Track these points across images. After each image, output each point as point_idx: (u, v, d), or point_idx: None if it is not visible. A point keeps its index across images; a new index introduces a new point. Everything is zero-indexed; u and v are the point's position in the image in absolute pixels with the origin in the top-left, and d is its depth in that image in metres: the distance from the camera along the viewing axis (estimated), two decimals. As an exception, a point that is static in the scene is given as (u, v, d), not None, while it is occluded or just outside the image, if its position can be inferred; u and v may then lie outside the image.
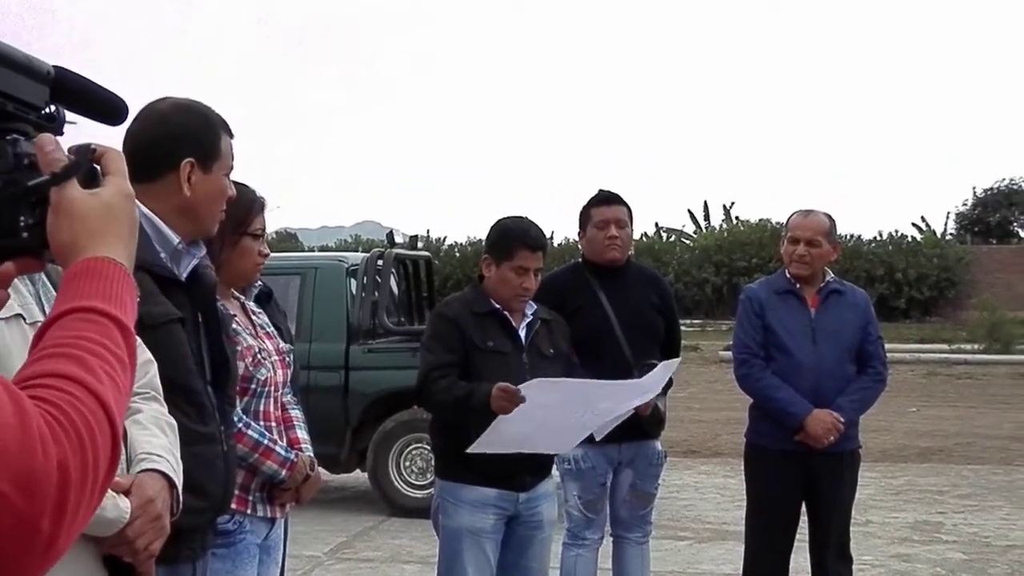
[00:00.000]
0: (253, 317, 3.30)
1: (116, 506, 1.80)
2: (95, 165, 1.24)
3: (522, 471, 3.89)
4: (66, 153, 1.21)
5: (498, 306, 3.94)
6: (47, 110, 1.25)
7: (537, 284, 3.98)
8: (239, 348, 2.98)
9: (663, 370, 4.16)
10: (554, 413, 3.75)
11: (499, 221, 4.05)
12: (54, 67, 1.25)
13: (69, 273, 1.15)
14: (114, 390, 1.05)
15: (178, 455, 2.01)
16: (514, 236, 3.94)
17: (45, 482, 0.96)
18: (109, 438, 1.03)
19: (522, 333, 3.97)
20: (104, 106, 1.33)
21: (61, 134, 1.31)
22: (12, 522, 0.94)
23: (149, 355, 2.10)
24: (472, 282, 4.16)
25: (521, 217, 4.07)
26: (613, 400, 3.99)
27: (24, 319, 1.70)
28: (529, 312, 4.01)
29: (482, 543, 3.87)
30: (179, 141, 2.45)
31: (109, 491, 1.78)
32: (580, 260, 4.94)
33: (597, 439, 4.20)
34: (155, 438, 1.97)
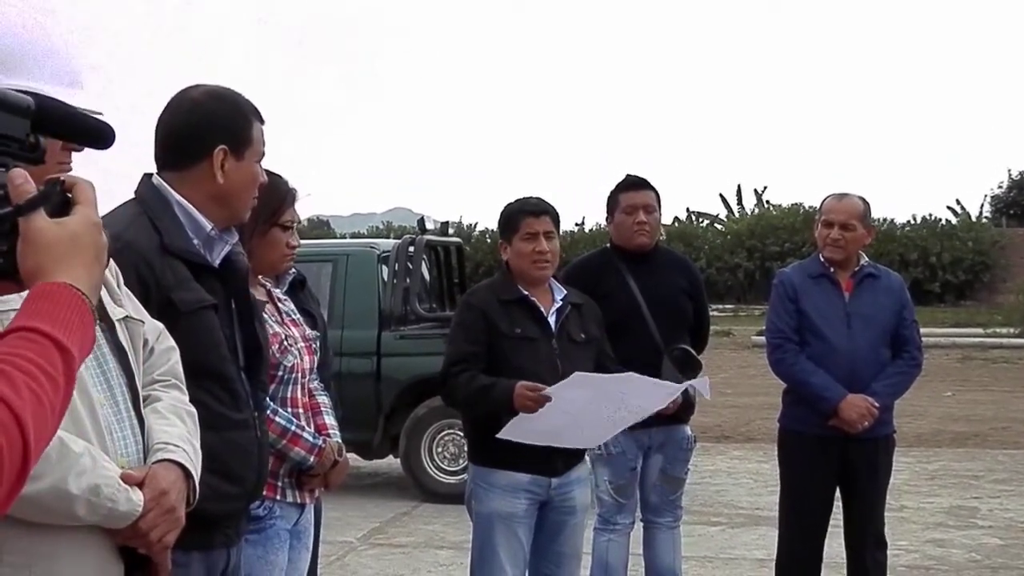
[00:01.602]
0: (280, 304, 3.32)
1: (128, 499, 1.80)
2: (67, 194, 1.33)
3: (555, 456, 3.88)
4: (33, 186, 1.29)
5: (526, 292, 3.93)
6: (29, 140, 1.33)
7: (555, 250, 3.96)
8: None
9: (698, 384, 4.17)
10: (584, 408, 3.72)
11: (503, 207, 4.10)
12: (35, 97, 1.33)
13: (28, 295, 1.23)
14: (35, 407, 1.10)
15: (197, 444, 2.01)
16: (515, 210, 4.00)
17: None
18: (19, 453, 1.07)
19: (551, 319, 3.95)
20: (90, 133, 1.43)
21: (44, 163, 1.40)
22: None
23: (172, 343, 2.10)
24: (500, 270, 4.18)
25: (522, 196, 4.13)
26: (645, 398, 3.97)
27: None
28: (559, 297, 4.00)
29: (514, 527, 3.87)
30: (211, 128, 2.46)
31: (122, 484, 1.79)
32: (608, 245, 4.93)
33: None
34: (172, 427, 1.97)
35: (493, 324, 3.87)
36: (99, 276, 1.30)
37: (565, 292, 4.03)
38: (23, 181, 1.27)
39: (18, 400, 1.08)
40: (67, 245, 1.27)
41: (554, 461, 3.89)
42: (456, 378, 3.84)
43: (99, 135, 1.41)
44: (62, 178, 1.35)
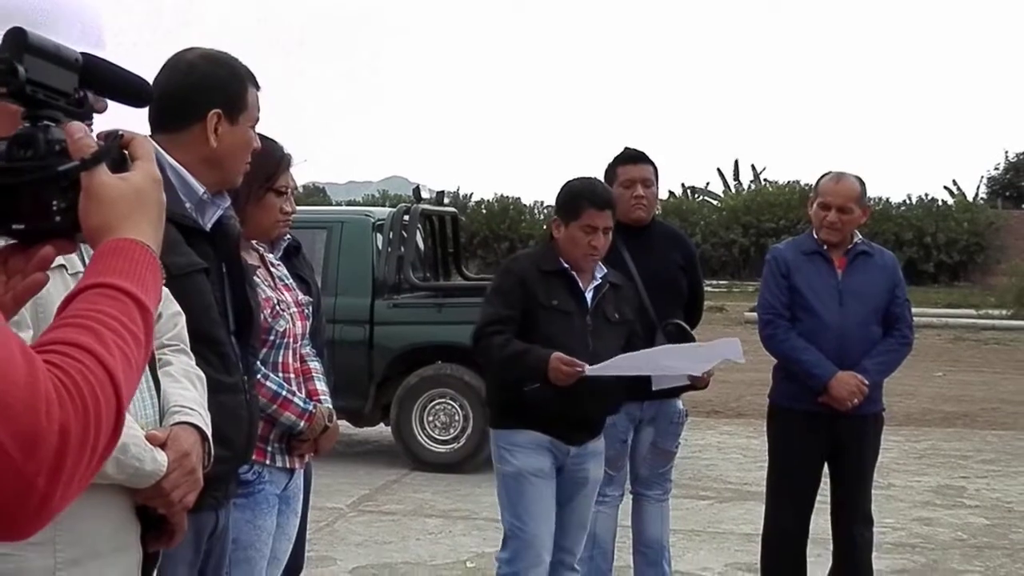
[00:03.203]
0: (272, 269, 3.31)
1: (154, 459, 1.82)
2: (124, 151, 1.29)
3: (574, 428, 3.94)
4: (95, 139, 1.25)
5: (567, 265, 3.94)
6: (76, 96, 1.29)
7: (607, 243, 3.98)
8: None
9: (724, 346, 4.24)
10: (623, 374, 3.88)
11: (567, 183, 4.06)
12: (82, 53, 1.29)
13: (98, 251, 1.19)
14: (124, 364, 1.09)
15: (206, 407, 2.04)
16: (581, 195, 3.95)
17: (45, 443, 0.99)
18: (114, 410, 1.06)
19: (588, 295, 3.97)
20: (130, 89, 1.38)
21: (90, 119, 1.37)
22: (8, 476, 0.98)
23: (178, 307, 2.12)
24: (544, 240, 4.15)
25: (589, 178, 4.10)
26: (685, 362, 4.10)
27: (67, 269, 1.74)
28: (598, 275, 4.01)
29: (542, 484, 3.92)
30: (206, 91, 2.45)
31: (147, 444, 1.81)
32: (605, 218, 4.93)
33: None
34: (187, 391, 2.01)
35: (531, 292, 3.88)
36: (161, 234, 1.26)
37: (605, 271, 4.05)
38: (83, 135, 1.23)
39: (110, 358, 1.07)
40: (132, 201, 1.23)
41: (572, 432, 3.95)
42: (490, 338, 3.85)
43: (140, 92, 1.38)
44: (120, 132, 1.32)
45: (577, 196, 3.95)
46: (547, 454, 3.92)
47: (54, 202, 1.20)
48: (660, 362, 4.05)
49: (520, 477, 3.91)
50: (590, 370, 3.71)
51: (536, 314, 3.87)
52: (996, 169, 41.99)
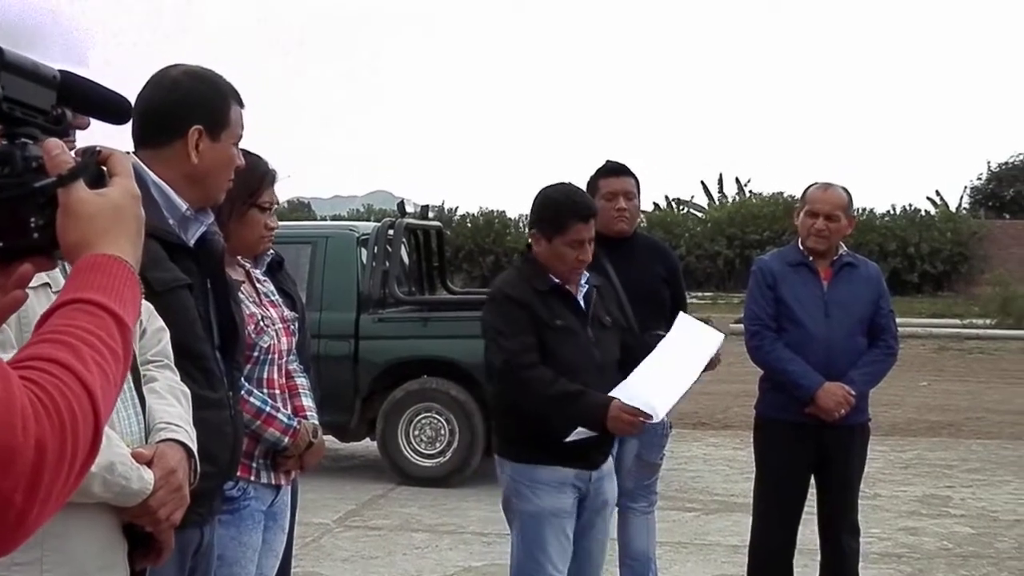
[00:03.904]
0: (258, 285, 3.31)
1: (140, 477, 1.82)
2: (101, 167, 1.28)
3: (593, 450, 3.76)
4: (72, 156, 1.25)
5: (558, 281, 3.75)
6: (54, 113, 1.29)
7: (591, 252, 3.78)
8: None
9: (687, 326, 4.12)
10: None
11: (544, 193, 3.82)
12: (60, 71, 1.29)
13: (76, 267, 1.19)
14: (103, 380, 1.08)
15: (191, 423, 2.04)
16: (565, 209, 3.71)
17: (21, 458, 0.99)
18: (91, 426, 1.06)
19: (582, 305, 3.82)
20: (110, 106, 1.38)
21: (68, 136, 1.37)
22: None
23: (162, 323, 2.11)
24: (523, 257, 3.92)
25: (566, 184, 3.86)
26: (698, 346, 3.97)
27: (51, 287, 1.73)
28: (583, 282, 3.84)
29: (563, 524, 3.72)
30: (188, 108, 2.45)
31: (133, 462, 1.81)
32: (587, 231, 4.92)
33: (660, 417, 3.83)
34: (172, 407, 2.00)
35: (537, 315, 3.68)
36: (140, 250, 1.26)
37: (588, 275, 3.87)
38: (60, 151, 1.22)
39: (88, 373, 1.06)
40: (110, 216, 1.22)
41: (593, 455, 3.78)
42: (529, 370, 3.62)
43: (119, 109, 1.38)
44: (98, 148, 1.32)
45: (561, 210, 3.72)
46: (570, 491, 3.73)
47: (32, 219, 1.20)
48: (675, 363, 3.82)
49: (541, 518, 3.70)
50: (649, 410, 3.55)
51: (544, 336, 3.68)
52: (979, 179, 42.22)
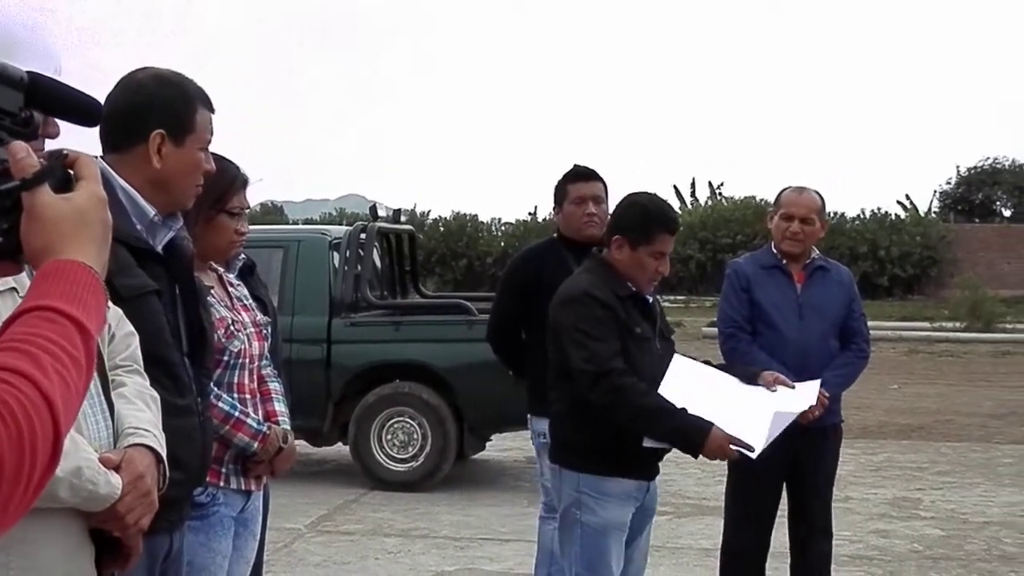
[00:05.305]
0: (231, 289, 3.28)
1: (108, 482, 1.80)
2: (68, 170, 1.26)
3: (652, 459, 3.72)
4: (38, 159, 1.23)
5: (635, 288, 3.67)
6: (22, 115, 1.27)
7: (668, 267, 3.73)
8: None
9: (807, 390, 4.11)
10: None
11: (634, 200, 3.73)
12: (28, 73, 1.27)
13: (39, 273, 1.17)
14: (63, 389, 1.06)
15: (161, 428, 2.02)
16: (655, 218, 3.65)
17: None
18: (51, 436, 1.04)
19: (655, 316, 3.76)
20: (79, 108, 1.36)
21: (36, 139, 1.34)
22: None
23: (131, 328, 2.10)
24: (598, 261, 3.77)
25: (655, 196, 3.78)
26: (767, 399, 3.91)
27: (18, 292, 1.71)
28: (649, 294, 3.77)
29: (622, 537, 3.69)
30: (150, 112, 2.42)
31: (101, 467, 1.79)
32: (556, 236, 4.92)
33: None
34: (141, 412, 1.99)
35: (620, 320, 3.58)
36: (106, 254, 1.24)
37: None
38: (25, 154, 1.20)
39: (47, 382, 1.04)
40: (75, 221, 1.20)
41: (655, 465, 3.76)
42: (622, 377, 3.51)
43: (88, 111, 1.36)
44: (64, 151, 1.29)
45: (651, 220, 3.63)
46: (632, 503, 3.68)
47: None
48: (754, 402, 3.82)
49: (607, 530, 3.64)
50: (750, 443, 3.54)
51: (628, 344, 3.57)
52: (948, 184, 42.61)
